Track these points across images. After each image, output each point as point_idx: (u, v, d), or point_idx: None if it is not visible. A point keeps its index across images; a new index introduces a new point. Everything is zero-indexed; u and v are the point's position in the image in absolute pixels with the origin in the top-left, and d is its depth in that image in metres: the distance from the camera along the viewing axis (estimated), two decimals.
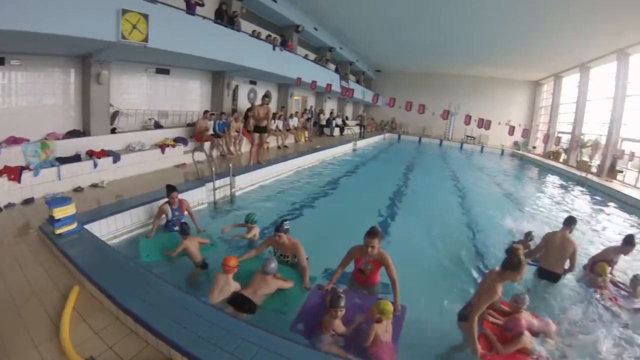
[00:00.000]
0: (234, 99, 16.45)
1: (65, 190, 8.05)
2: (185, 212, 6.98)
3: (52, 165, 8.00)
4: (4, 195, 7.08)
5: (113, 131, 10.52)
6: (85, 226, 5.86)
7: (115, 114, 10.73)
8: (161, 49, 9.51)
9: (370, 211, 9.71)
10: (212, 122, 13.23)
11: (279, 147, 17.06)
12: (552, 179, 19.97)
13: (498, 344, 4.08)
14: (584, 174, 18.94)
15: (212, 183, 8.93)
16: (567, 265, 5.96)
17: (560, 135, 27.42)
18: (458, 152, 29.47)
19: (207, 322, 3.64)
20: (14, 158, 7.65)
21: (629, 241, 6.18)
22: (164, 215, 6.75)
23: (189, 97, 14.24)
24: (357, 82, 30.88)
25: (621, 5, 13.82)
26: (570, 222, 6.21)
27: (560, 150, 26.62)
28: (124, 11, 8.30)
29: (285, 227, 5.38)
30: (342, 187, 12.82)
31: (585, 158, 22.76)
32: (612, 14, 14.89)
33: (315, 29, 21.76)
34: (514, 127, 22.09)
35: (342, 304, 3.97)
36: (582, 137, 24.10)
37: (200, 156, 12.17)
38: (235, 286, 4.65)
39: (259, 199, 10.16)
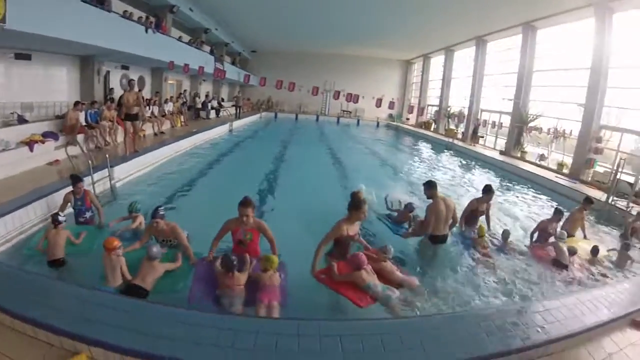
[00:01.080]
0: (106, 86, 15.37)
1: None
2: (91, 205, 6.68)
3: None
4: None
5: None
6: None
7: None
8: (22, 31, 8.55)
9: (249, 189, 9.64)
10: (83, 112, 12.36)
11: (155, 134, 16.44)
12: (425, 145, 24.04)
13: (335, 271, 4.83)
14: (451, 140, 23.55)
15: (89, 177, 8.39)
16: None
17: (429, 107, 32.92)
18: (335, 126, 31.62)
19: (104, 307, 3.69)
20: None
21: (487, 189, 7.35)
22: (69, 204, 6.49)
23: (56, 86, 12.98)
24: (233, 63, 30.58)
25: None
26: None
27: (431, 120, 31.77)
28: None
29: (160, 212, 5.50)
30: (220, 168, 13.21)
31: (452, 127, 27.95)
32: (474, 6, 18.39)
33: (191, 10, 20.95)
34: (380, 100, 24.73)
35: (237, 265, 4.52)
36: (448, 108, 29.65)
37: (74, 150, 11.36)
38: (122, 262, 4.76)
39: (140, 188, 9.99)
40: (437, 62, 33.02)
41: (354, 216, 5.15)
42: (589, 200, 8.31)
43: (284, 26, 26.59)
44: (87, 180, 8.31)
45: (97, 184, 8.60)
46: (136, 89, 11.11)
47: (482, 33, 23.84)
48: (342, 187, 11.18)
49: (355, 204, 5.12)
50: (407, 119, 36.56)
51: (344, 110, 36.04)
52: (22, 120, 10.96)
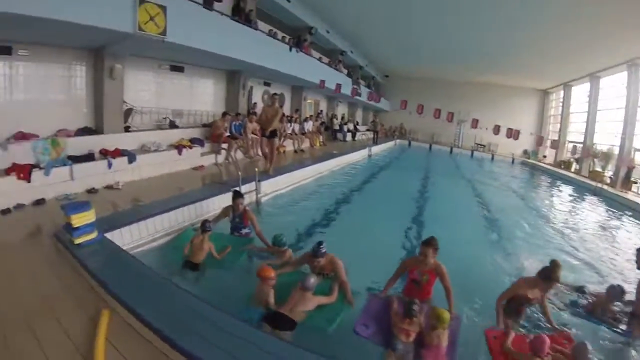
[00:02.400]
0: (249, 100, 15.68)
1: (78, 192, 7.35)
2: (249, 223, 6.32)
3: (64, 164, 7.28)
4: (13, 195, 6.37)
5: (127, 129, 9.77)
6: (106, 234, 5.14)
7: (128, 112, 9.97)
8: (179, 43, 8.80)
9: (395, 221, 9.04)
10: (228, 123, 12.47)
11: (295, 152, 16.30)
12: (568, 189, 19.04)
13: (509, 342, 3.88)
14: (599, 185, 17.89)
15: (237, 188, 8.13)
16: None
17: (571, 144, 27.32)
18: (469, 160, 28.61)
19: (246, 342, 3.22)
20: (22, 155, 6.89)
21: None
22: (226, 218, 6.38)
23: (204, 96, 13.49)
24: (367, 86, 30.18)
25: (631, 15, 13.37)
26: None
27: (572, 159, 26.04)
28: (141, 1, 7.60)
29: (322, 250, 4.87)
30: (364, 194, 12.04)
31: (598, 168, 21.90)
32: (623, 25, 14.48)
33: (327, 32, 21.03)
34: (518, 132, 22.26)
35: (417, 311, 3.96)
36: (594, 146, 23.38)
37: (216, 158, 11.54)
38: (270, 293, 4.38)
39: (282, 206, 9.36)
40: (579, 92, 27.58)
41: (540, 282, 4.44)
42: None
43: (416, 51, 25.26)
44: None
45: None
46: (278, 104, 10.18)
47: (635, 55, 18.66)
48: (490, 228, 9.67)
49: (546, 273, 4.43)
50: (544, 156, 31.36)
51: (477, 144, 33.01)
52: (172, 125, 11.35)
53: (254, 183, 8.72)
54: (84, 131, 8.72)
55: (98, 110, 9.08)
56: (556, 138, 28.29)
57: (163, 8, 8.05)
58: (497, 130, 22.79)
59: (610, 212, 13.62)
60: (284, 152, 15.43)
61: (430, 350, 3.75)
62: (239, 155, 12.23)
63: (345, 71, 24.24)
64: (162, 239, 6.17)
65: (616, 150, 20.66)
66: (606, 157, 21.62)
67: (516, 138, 21.16)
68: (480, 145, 33.21)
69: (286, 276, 4.80)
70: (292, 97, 20.27)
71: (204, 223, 5.62)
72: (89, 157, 7.87)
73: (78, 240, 4.66)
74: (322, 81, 17.24)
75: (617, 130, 20.94)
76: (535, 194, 17.24)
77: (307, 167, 12.53)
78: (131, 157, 8.63)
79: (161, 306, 3.59)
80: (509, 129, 24.10)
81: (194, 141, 11.11)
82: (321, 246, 4.86)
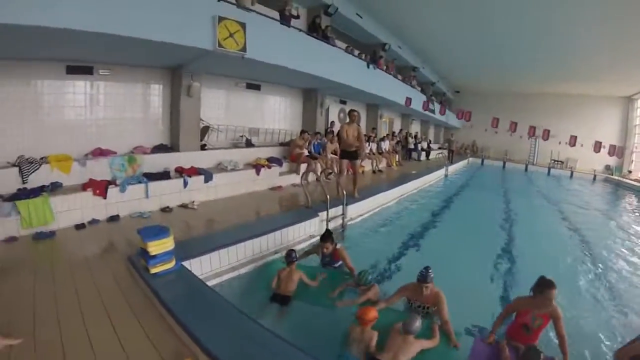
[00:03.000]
0: (327, 119, 15.05)
1: (152, 210, 6.89)
2: (340, 261, 5.47)
3: (140, 182, 6.85)
4: (88, 210, 6.12)
5: (203, 148, 9.35)
6: (184, 262, 4.53)
7: (205, 129, 9.57)
8: (257, 60, 8.24)
9: (482, 250, 7.96)
10: (307, 142, 11.82)
11: (373, 172, 15.34)
12: None
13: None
14: None
15: (325, 212, 7.38)
16: None
17: None
18: (546, 178, 25.68)
19: None
20: (99, 171, 6.68)
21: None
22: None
23: (280, 114, 12.98)
24: (440, 103, 28.77)
25: None
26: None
27: None
28: (220, 18, 7.14)
29: (431, 275, 4.21)
30: (447, 218, 10.64)
31: None
32: None
33: (399, 47, 20.07)
34: (600, 143, 21.62)
35: None
36: None
37: (294, 179, 10.89)
38: (372, 337, 3.72)
39: (367, 232, 8.38)
40: None
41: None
42: None
43: (487, 63, 23.57)
44: (321, 215, 7.41)
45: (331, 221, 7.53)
46: (357, 122, 9.11)
47: None
48: (586, 254, 8.31)
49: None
50: (629, 171, 27.66)
51: (554, 160, 29.81)
52: (249, 144, 10.85)
53: (340, 207, 7.86)
54: (160, 149, 8.39)
55: (174, 128, 8.75)
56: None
57: (242, 25, 7.56)
58: (573, 141, 21.53)
59: None
60: (363, 172, 14.55)
61: None
62: (312, 176, 11.45)
63: (419, 88, 23.11)
64: (243, 268, 5.42)
65: None
66: None
67: (598, 151, 20.29)
68: (558, 161, 30.05)
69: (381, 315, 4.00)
70: (368, 115, 19.43)
71: (290, 253, 5.02)
72: (164, 175, 7.42)
73: (154, 270, 4.09)
74: (409, 99, 16.19)
75: None
76: (619, 214, 14.92)
77: (390, 190, 11.45)
78: (207, 176, 8.11)
79: (247, 351, 2.94)
80: (597, 141, 21.95)
81: (271, 160, 10.51)
82: (430, 271, 4.19)
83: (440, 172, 18.69)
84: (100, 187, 6.21)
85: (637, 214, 15.04)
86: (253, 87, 11.43)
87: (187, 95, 8.57)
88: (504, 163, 30.03)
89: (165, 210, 6.97)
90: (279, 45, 8.89)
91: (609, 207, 16.98)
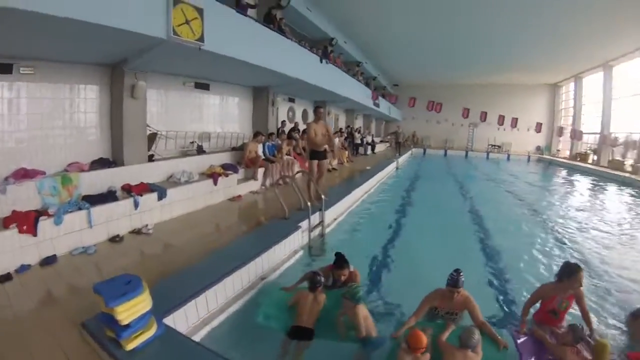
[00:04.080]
0: (276, 118, 13.94)
1: (99, 241, 5.50)
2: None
3: (79, 208, 5.40)
4: (14, 254, 4.53)
5: (151, 159, 7.94)
6: (166, 320, 3.34)
7: (152, 137, 8.15)
8: (216, 52, 7.06)
9: (458, 238, 7.95)
10: (261, 145, 10.71)
11: (328, 170, 14.43)
12: (597, 183, 17.93)
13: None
14: (629, 175, 18.05)
15: (306, 222, 6.53)
16: None
17: (587, 135, 26.64)
18: (488, 162, 27.13)
19: None
20: (25, 199, 5.12)
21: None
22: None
23: (230, 116, 11.67)
24: (382, 96, 28.47)
25: None
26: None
27: (589, 151, 25.46)
28: (176, 1, 5.88)
29: (462, 278, 3.78)
30: (413, 213, 10.16)
31: (618, 157, 21.68)
32: (637, 11, 13.69)
33: (345, 42, 19.29)
34: (541, 124, 25.12)
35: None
36: (611, 135, 22.92)
37: (252, 186, 9.76)
38: None
39: (345, 236, 7.59)
40: (590, 82, 26.79)
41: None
42: None
43: (429, 55, 23.64)
44: (303, 225, 6.49)
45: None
46: (325, 120, 8.37)
47: None
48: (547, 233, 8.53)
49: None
50: (558, 150, 31.34)
51: (491, 145, 31.92)
52: (200, 151, 9.56)
53: (317, 214, 7.01)
54: (100, 164, 6.89)
55: (116, 137, 7.25)
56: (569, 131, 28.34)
57: (200, 11, 6.37)
58: (513, 123, 24.36)
59: None
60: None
61: None
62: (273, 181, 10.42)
63: (364, 82, 22.55)
64: (232, 306, 4.31)
65: (635, 138, 20.67)
66: (626, 145, 21.48)
67: (539, 131, 23.58)
68: (495, 146, 32.25)
69: None
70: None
71: (314, 277, 4.04)
72: (109, 196, 6.00)
73: (130, 344, 2.87)
74: (375, 93, 15.45)
75: (633, 119, 21.12)
76: (564, 190, 16.56)
77: (358, 188, 10.75)
78: (161, 192, 6.77)
79: None
80: (538, 123, 24.21)
81: (226, 167, 9.29)
82: (461, 274, 3.79)
83: (392, 166, 18.23)
84: (27, 221, 4.69)
85: (573, 186, 17.72)
86: (202, 86, 10.09)
87: (131, 97, 7.11)
88: (445, 151, 31.16)
89: (115, 240, 5.60)
90: (237, 36, 7.80)
91: (547, 181, 19.61)
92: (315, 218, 6.94)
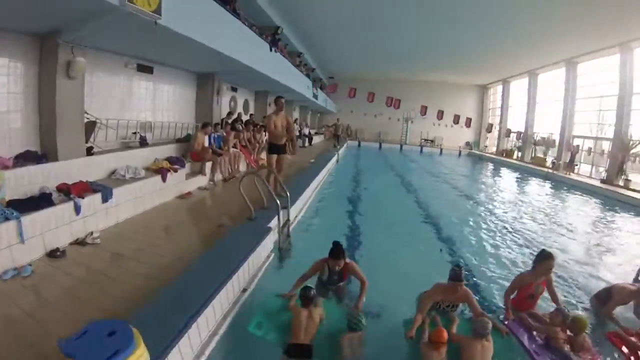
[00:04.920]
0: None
1: (34, 259, 4.31)
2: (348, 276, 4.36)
3: (6, 218, 4.15)
4: None
5: (90, 152, 6.66)
6: None
7: (91, 126, 6.85)
8: (173, 29, 5.99)
9: (414, 226, 8.47)
10: (207, 136, 9.68)
11: None
12: (524, 177, 20.28)
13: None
14: (551, 170, 20.23)
15: (273, 222, 5.79)
16: None
17: (511, 134, 29.37)
18: (421, 156, 28.09)
19: None
20: None
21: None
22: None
23: (174, 104, 10.46)
24: (320, 88, 27.95)
25: (570, 18, 14.30)
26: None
27: (514, 148, 27.97)
28: None
29: (464, 272, 3.92)
30: (365, 204, 10.14)
31: (540, 154, 24.45)
32: (563, 28, 15.58)
33: (286, 32, 18.36)
34: (470, 119, 29.09)
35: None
36: (534, 135, 25.76)
37: (200, 181, 8.76)
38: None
39: (309, 233, 7.07)
40: (517, 86, 29.33)
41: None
42: None
43: (364, 50, 23.68)
44: (272, 224, 5.79)
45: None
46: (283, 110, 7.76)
47: (573, 55, 20.54)
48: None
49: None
50: (486, 146, 33.47)
51: (424, 139, 32.97)
52: (144, 143, 8.33)
53: (283, 211, 6.12)
54: (27, 158, 5.53)
55: (47, 126, 5.90)
56: (497, 129, 31.30)
57: None
58: (457, 120, 28.74)
59: (579, 194, 15.40)
60: (262, 165, 12.77)
61: (586, 353, 3.58)
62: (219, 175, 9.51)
63: (305, 73, 21.80)
64: (217, 333, 3.48)
65: (554, 137, 23.11)
66: (547, 144, 24.05)
67: (469, 126, 26.74)
68: (428, 140, 33.32)
69: None
70: (256, 103, 17.44)
71: (307, 293, 3.63)
72: (43, 200, 4.74)
73: None
74: (334, 85, 14.93)
75: (553, 121, 23.34)
76: (493, 184, 18.07)
77: (314, 182, 10.16)
78: (106, 193, 5.62)
79: None
80: (468, 118, 25.65)
81: (173, 161, 8.20)
82: (462, 268, 3.92)
83: (333, 159, 17.76)
84: None
85: (503, 178, 20.07)
86: (145, 69, 8.87)
87: (67, 76, 5.81)
88: (380, 144, 31.12)
89: (55, 255, 4.42)
90: (196, 14, 6.79)
91: (481, 174, 21.45)
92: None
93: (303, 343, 3.33)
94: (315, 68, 27.39)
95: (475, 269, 5.94)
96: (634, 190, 15.22)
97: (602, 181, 17.48)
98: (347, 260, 4.15)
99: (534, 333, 3.85)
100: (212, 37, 7.41)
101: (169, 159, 8.24)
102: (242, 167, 11.08)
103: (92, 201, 5.33)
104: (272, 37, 13.99)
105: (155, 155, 8.13)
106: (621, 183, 16.53)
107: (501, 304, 4.48)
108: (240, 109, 15.40)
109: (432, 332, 3.40)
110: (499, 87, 31.86)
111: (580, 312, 4.49)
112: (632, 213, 11.97)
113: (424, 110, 25.57)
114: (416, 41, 20.06)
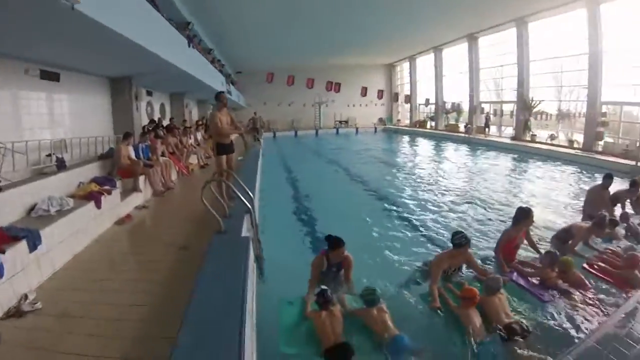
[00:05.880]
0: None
1: None
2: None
3: None
4: None
5: None
6: None
7: None
8: (94, 18, 4.74)
9: (358, 201, 9.19)
10: (132, 148, 8.31)
11: (201, 167, 12.40)
12: (444, 143, 22.57)
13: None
14: (467, 135, 22.42)
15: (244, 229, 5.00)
16: None
17: (420, 106, 32.06)
18: (339, 137, 28.45)
19: None
20: None
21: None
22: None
23: (90, 116, 8.84)
24: (232, 83, 26.47)
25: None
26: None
27: (426, 118, 29.96)
28: None
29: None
30: (308, 191, 10.12)
31: (452, 122, 27.07)
32: (464, 7, 16.79)
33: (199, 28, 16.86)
34: (382, 91, 30.63)
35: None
36: (445, 104, 28.11)
37: (137, 200, 7.48)
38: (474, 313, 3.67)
39: (270, 239, 6.13)
40: (423, 62, 31.42)
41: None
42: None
43: (269, 41, 22.94)
44: (244, 232, 4.98)
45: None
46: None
47: (474, 31, 22.83)
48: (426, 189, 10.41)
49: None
50: (398, 120, 35.31)
51: (339, 121, 33.22)
52: (61, 166, 6.75)
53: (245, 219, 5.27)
54: None
55: None
56: (407, 103, 33.59)
57: None
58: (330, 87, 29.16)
59: (492, 151, 18.20)
60: (192, 170, 11.50)
61: (580, 286, 4.20)
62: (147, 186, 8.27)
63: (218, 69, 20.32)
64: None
65: (464, 105, 25.91)
66: (458, 111, 26.76)
67: (380, 97, 28.13)
68: (343, 122, 33.65)
69: None
70: (173, 106, 15.79)
71: (324, 295, 3.52)
72: None
73: None
74: (270, 74, 13.90)
75: (461, 90, 26.07)
76: (419, 154, 19.82)
77: (257, 179, 9.13)
78: (32, 238, 4.23)
79: None
80: (379, 90, 31.19)
81: (101, 182, 6.78)
82: (463, 234, 4.39)
83: (259, 153, 16.73)
84: None
85: (421, 146, 22.23)
86: (51, 76, 7.24)
87: None
88: (296, 132, 30.26)
89: None
90: (116, 1, 5.48)
91: (397, 145, 23.37)
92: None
93: (337, 344, 3.16)
94: (225, 64, 25.79)
95: (432, 230, 6.91)
96: (540, 143, 18.66)
97: (512, 138, 20.58)
98: (346, 254, 4.15)
99: (529, 279, 4.41)
100: (136, 30, 6.14)
101: (96, 180, 6.82)
102: (173, 176, 9.77)
103: (16, 253, 3.94)
104: (188, 33, 12.57)
105: (78, 179, 6.65)
106: (528, 138, 19.68)
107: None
108: (157, 114, 13.79)
109: (464, 290, 3.78)
110: (405, 64, 33.71)
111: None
112: (540, 162, 14.78)
113: (337, 87, 27.16)
114: (325, 28, 19.96)
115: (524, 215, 4.83)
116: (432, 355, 3.29)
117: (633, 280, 4.28)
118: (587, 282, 4.24)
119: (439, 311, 3.81)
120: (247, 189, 5.57)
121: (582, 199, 7.51)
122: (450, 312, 3.75)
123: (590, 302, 3.99)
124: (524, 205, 5.13)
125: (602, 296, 4.09)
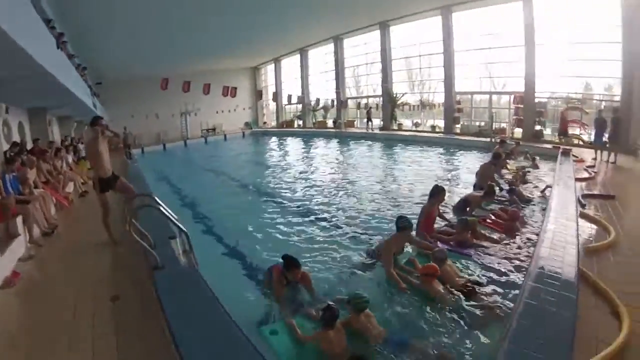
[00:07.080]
0: None
1: None
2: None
3: None
4: None
5: None
6: None
7: None
8: None
9: (252, 203, 9.76)
10: None
11: (81, 195, 10.17)
12: (315, 139, 23.62)
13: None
14: (339, 129, 24.90)
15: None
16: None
17: (285, 106, 33.05)
18: (208, 146, 26.64)
19: None
20: None
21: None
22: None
23: None
24: (95, 95, 22.75)
25: (331, 4, 17.03)
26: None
27: (293, 118, 30.92)
28: None
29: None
30: (196, 203, 9.65)
31: (320, 118, 28.65)
32: (329, 11, 18.15)
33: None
34: (235, 89, 27.79)
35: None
36: (311, 103, 29.43)
37: (18, 248, 5.58)
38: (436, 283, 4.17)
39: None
40: (288, 63, 32.40)
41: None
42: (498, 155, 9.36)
43: (130, 50, 21.10)
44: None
45: None
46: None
47: (339, 33, 24.75)
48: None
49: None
50: (264, 122, 35.35)
51: (206, 129, 31.06)
52: None
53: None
54: None
55: None
56: (272, 105, 35.20)
57: None
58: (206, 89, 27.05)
59: (363, 142, 20.60)
60: (72, 200, 9.31)
61: (482, 238, 5.56)
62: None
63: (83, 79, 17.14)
64: None
65: (331, 103, 27.43)
66: (326, 109, 28.53)
67: (233, 95, 26.63)
68: (210, 129, 31.84)
69: None
70: (32, 125, 12.65)
71: (332, 312, 3.25)
72: None
73: None
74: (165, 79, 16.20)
75: (326, 88, 28.35)
76: (300, 153, 19.93)
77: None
78: None
79: None
80: (226, 87, 27.45)
81: None
82: (406, 219, 4.73)
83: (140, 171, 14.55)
84: None
85: (296, 144, 23.18)
86: None
87: None
88: (164, 145, 26.81)
89: None
90: None
91: (266, 147, 23.70)
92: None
93: (354, 355, 2.94)
94: (86, 73, 22.10)
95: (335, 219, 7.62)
96: (405, 130, 22.32)
97: (381, 129, 23.29)
98: (304, 272, 4.12)
99: (450, 243, 5.33)
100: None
101: None
102: (52, 210, 7.69)
103: None
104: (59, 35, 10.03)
105: None
106: (395, 127, 22.82)
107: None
108: (15, 135, 10.94)
109: (426, 267, 4.14)
110: (270, 67, 34.35)
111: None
112: (409, 146, 17.45)
113: (206, 88, 26.39)
114: (190, 35, 19.31)
115: (438, 191, 5.73)
116: (424, 340, 3.35)
117: (515, 228, 5.96)
118: (487, 234, 5.74)
119: (407, 292, 4.11)
120: (169, 211, 4.46)
121: (451, 173, 11.35)
122: (415, 290, 4.13)
123: (496, 246, 5.35)
124: (438, 184, 6.07)
125: (499, 241, 5.54)
